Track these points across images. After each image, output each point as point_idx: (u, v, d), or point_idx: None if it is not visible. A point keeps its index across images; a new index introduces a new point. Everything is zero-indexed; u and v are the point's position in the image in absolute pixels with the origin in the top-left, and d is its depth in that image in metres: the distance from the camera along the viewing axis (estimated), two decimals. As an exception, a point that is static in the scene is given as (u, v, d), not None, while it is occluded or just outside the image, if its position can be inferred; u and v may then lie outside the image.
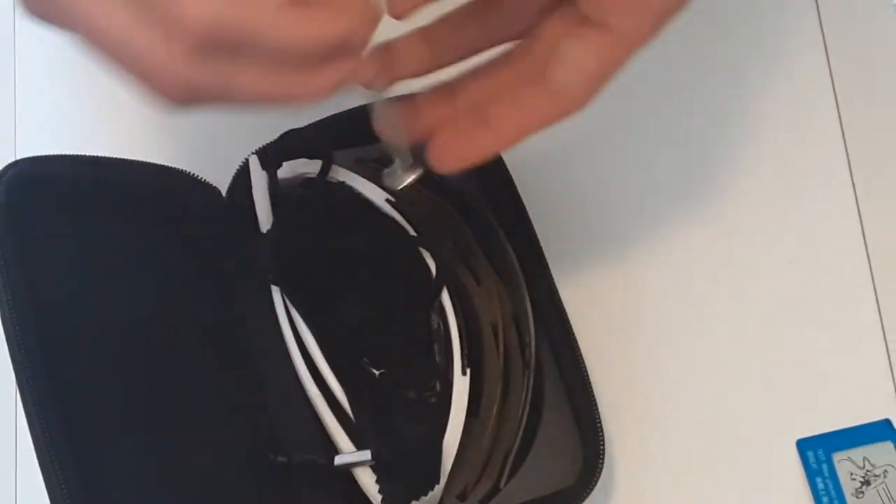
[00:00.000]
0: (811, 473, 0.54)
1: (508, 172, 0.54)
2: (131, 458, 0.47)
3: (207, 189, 0.55)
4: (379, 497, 0.50)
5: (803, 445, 0.54)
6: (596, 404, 0.51)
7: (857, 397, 0.55)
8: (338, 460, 0.50)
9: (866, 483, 0.53)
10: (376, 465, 0.50)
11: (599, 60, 0.44)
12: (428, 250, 0.53)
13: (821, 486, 0.54)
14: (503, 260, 0.53)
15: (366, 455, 0.50)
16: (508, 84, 0.45)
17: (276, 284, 0.53)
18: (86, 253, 0.49)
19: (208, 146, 0.60)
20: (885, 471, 0.54)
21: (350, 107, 0.54)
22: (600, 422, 0.51)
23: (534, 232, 0.53)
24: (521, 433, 0.51)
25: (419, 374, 0.51)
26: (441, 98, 0.46)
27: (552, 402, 0.53)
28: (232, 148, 0.55)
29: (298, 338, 0.53)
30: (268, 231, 0.54)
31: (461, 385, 0.50)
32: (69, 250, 0.49)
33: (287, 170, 0.55)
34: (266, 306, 0.53)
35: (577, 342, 0.52)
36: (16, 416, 0.58)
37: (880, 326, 0.57)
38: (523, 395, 0.51)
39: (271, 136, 0.55)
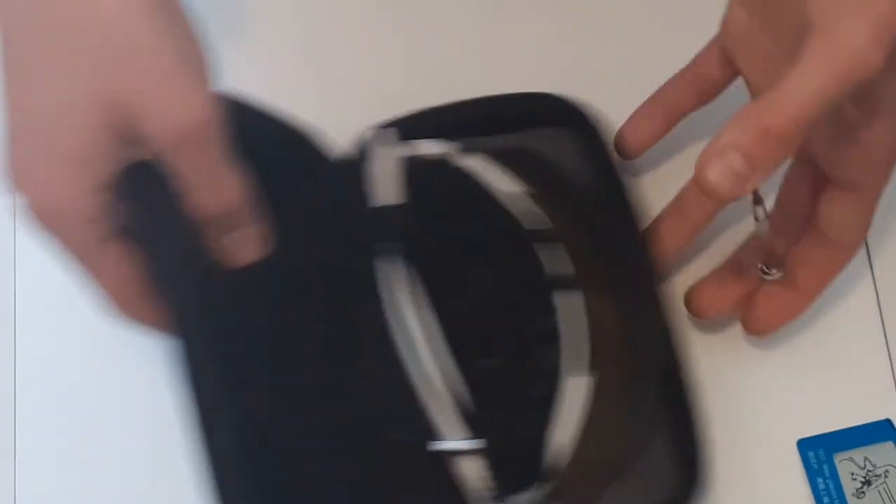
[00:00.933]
0: (812, 473, 0.54)
1: (618, 173, 0.54)
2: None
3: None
4: (479, 485, 0.49)
5: (804, 445, 0.54)
6: (700, 416, 0.51)
7: (857, 397, 0.55)
8: (443, 445, 0.50)
9: (867, 483, 0.53)
10: (488, 454, 0.50)
11: (858, 209, 0.51)
12: (555, 246, 0.53)
13: (821, 486, 0.53)
14: (619, 263, 0.53)
15: (476, 443, 0.50)
16: (794, 249, 0.53)
17: (409, 260, 0.53)
18: None
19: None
20: (887, 471, 0.53)
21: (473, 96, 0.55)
22: (703, 435, 0.51)
23: (644, 234, 0.54)
24: (629, 441, 0.51)
25: (532, 369, 0.51)
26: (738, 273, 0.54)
27: (657, 410, 0.52)
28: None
29: (416, 318, 0.52)
30: (396, 206, 0.53)
31: (577, 386, 0.50)
32: None
33: (411, 148, 0.55)
34: (369, 281, 0.53)
35: (683, 348, 0.52)
36: (15, 417, 0.58)
37: (881, 325, 0.57)
38: (637, 403, 0.51)
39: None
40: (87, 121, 0.42)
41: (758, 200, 0.52)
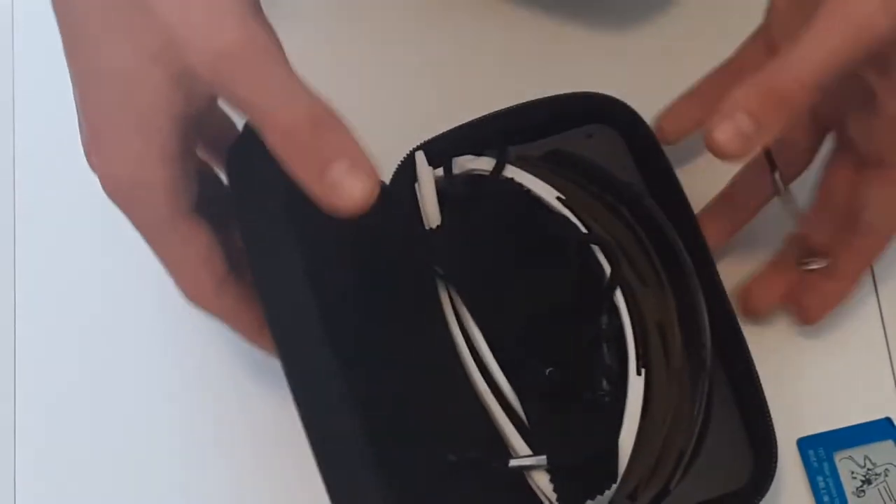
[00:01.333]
0: (812, 472, 0.54)
1: (671, 166, 0.54)
2: None
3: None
4: (554, 496, 0.49)
5: (804, 444, 0.54)
6: (767, 404, 0.51)
7: (857, 396, 0.55)
8: (513, 463, 0.50)
9: (867, 482, 0.53)
10: (560, 466, 0.50)
11: (893, 189, 0.50)
12: (600, 248, 0.52)
13: (822, 484, 0.53)
14: (672, 257, 0.53)
15: (541, 460, 0.50)
16: (834, 238, 0.53)
17: (445, 280, 0.53)
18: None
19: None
20: (887, 469, 0.53)
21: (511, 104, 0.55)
22: (772, 422, 0.51)
23: (699, 226, 0.53)
24: (696, 434, 0.50)
25: (590, 373, 0.51)
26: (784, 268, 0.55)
27: (720, 401, 0.52)
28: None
29: (465, 335, 0.52)
30: (437, 227, 0.54)
31: (636, 385, 0.50)
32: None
33: (455, 166, 0.55)
34: (429, 303, 0.53)
35: (745, 339, 0.52)
36: (15, 417, 0.58)
37: (881, 324, 0.56)
38: (699, 396, 0.50)
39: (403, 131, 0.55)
40: (150, 79, 0.41)
41: (773, 167, 0.52)
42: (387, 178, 0.54)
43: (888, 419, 0.54)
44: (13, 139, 0.63)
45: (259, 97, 0.40)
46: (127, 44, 0.41)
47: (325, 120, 0.41)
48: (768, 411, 0.51)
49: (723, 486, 0.51)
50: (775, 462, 0.51)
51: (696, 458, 0.51)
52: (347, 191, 0.40)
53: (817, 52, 0.44)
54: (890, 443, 0.54)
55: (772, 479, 0.50)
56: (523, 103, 0.55)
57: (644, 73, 0.59)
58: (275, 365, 0.57)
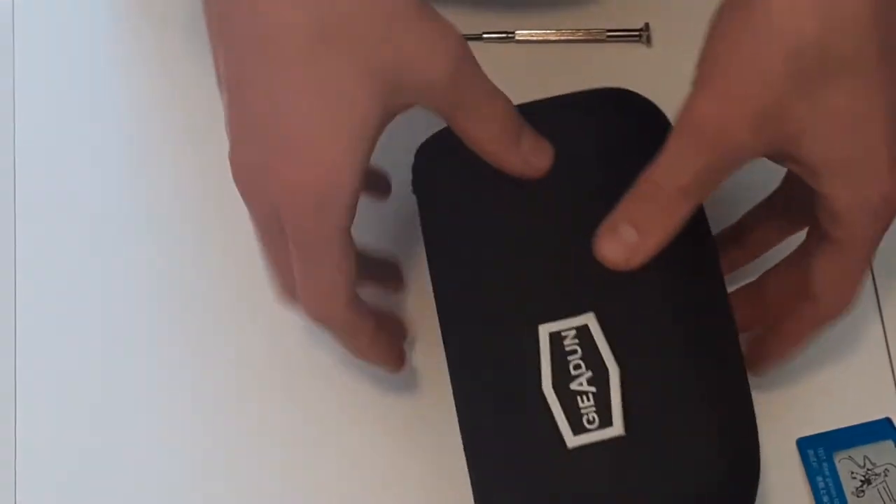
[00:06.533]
0: (811, 472, 0.54)
1: None
2: None
3: None
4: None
5: (804, 444, 0.54)
6: (748, 397, 0.49)
7: (857, 396, 0.55)
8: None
9: (867, 482, 0.53)
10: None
11: (838, 273, 0.48)
12: None
13: (821, 485, 0.53)
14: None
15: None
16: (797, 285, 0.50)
17: None
18: None
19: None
20: (886, 470, 0.53)
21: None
22: (753, 418, 0.48)
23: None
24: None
25: None
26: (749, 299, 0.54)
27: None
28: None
29: None
30: None
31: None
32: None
33: None
34: None
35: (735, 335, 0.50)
36: (15, 417, 0.58)
37: (881, 324, 0.57)
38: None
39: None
40: (363, 92, 0.43)
41: None
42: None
43: (888, 419, 0.54)
44: (13, 139, 0.63)
45: (483, 96, 0.46)
46: (344, 57, 0.43)
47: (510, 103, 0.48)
48: (749, 405, 0.48)
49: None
50: (752, 458, 0.47)
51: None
52: (539, 159, 0.48)
53: (681, 161, 0.45)
54: (890, 443, 0.54)
55: (750, 474, 0.47)
56: (551, 98, 0.53)
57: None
58: (275, 365, 0.58)
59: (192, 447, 0.57)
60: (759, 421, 0.54)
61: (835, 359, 0.56)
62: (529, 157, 0.48)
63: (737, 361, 0.49)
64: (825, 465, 0.54)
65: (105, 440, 0.57)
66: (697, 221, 0.49)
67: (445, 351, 0.50)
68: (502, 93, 0.47)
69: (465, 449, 0.49)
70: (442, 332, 0.50)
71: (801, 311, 0.50)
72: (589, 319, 0.47)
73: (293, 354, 0.57)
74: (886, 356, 0.56)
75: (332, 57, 0.43)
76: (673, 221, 0.46)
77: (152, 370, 0.58)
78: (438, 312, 0.50)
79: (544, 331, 0.47)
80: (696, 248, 0.50)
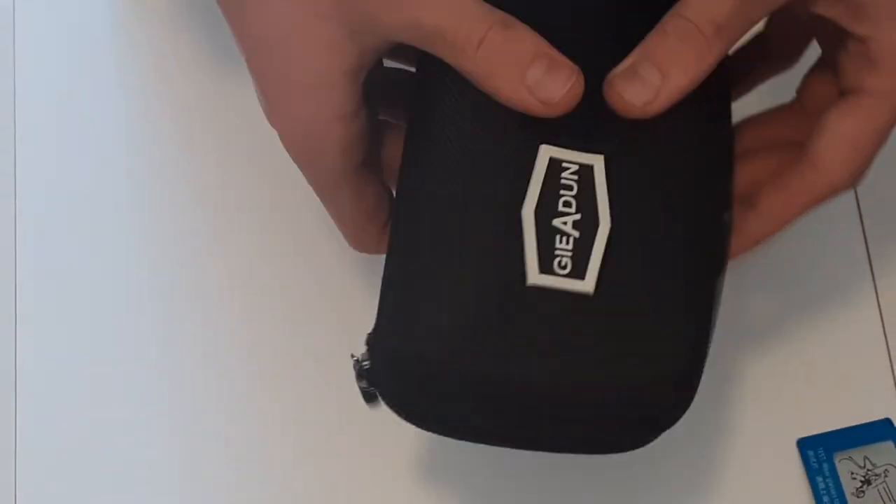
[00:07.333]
0: (812, 473, 0.54)
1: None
2: None
3: None
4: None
5: (804, 445, 0.54)
6: (716, 304, 0.44)
7: (857, 396, 0.55)
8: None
9: (867, 483, 0.53)
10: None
11: (859, 129, 0.43)
12: None
13: (821, 485, 0.53)
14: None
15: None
16: (774, 165, 0.45)
17: None
18: None
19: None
20: (886, 470, 0.53)
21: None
22: (710, 331, 0.43)
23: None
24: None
25: None
26: None
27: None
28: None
29: None
30: None
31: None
32: None
33: None
34: None
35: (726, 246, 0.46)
36: (16, 417, 0.58)
37: (881, 324, 0.57)
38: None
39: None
40: (321, 38, 0.42)
41: None
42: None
43: (888, 420, 0.54)
44: (14, 139, 0.63)
45: (446, 19, 0.40)
46: (290, 6, 0.42)
47: (513, 24, 0.40)
48: (713, 317, 0.43)
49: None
50: (695, 375, 0.42)
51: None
52: (550, 90, 0.40)
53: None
54: (890, 443, 0.54)
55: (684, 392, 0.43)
56: None
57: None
58: (274, 365, 0.58)
59: (192, 447, 0.57)
60: (759, 421, 0.55)
61: (835, 359, 0.56)
62: (536, 91, 0.40)
63: (722, 260, 0.45)
64: (825, 465, 0.54)
65: (105, 440, 0.57)
66: (718, 77, 0.43)
67: (407, 140, 0.44)
68: (491, 8, 0.41)
69: (392, 238, 0.43)
70: (412, 121, 0.44)
71: (790, 181, 0.44)
72: (597, 161, 0.42)
73: (295, 354, 0.57)
74: (886, 356, 0.56)
75: (283, 6, 0.42)
76: (704, 63, 0.40)
77: (153, 370, 0.58)
78: (424, 113, 0.44)
79: (545, 152, 0.42)
80: (716, 107, 0.45)
